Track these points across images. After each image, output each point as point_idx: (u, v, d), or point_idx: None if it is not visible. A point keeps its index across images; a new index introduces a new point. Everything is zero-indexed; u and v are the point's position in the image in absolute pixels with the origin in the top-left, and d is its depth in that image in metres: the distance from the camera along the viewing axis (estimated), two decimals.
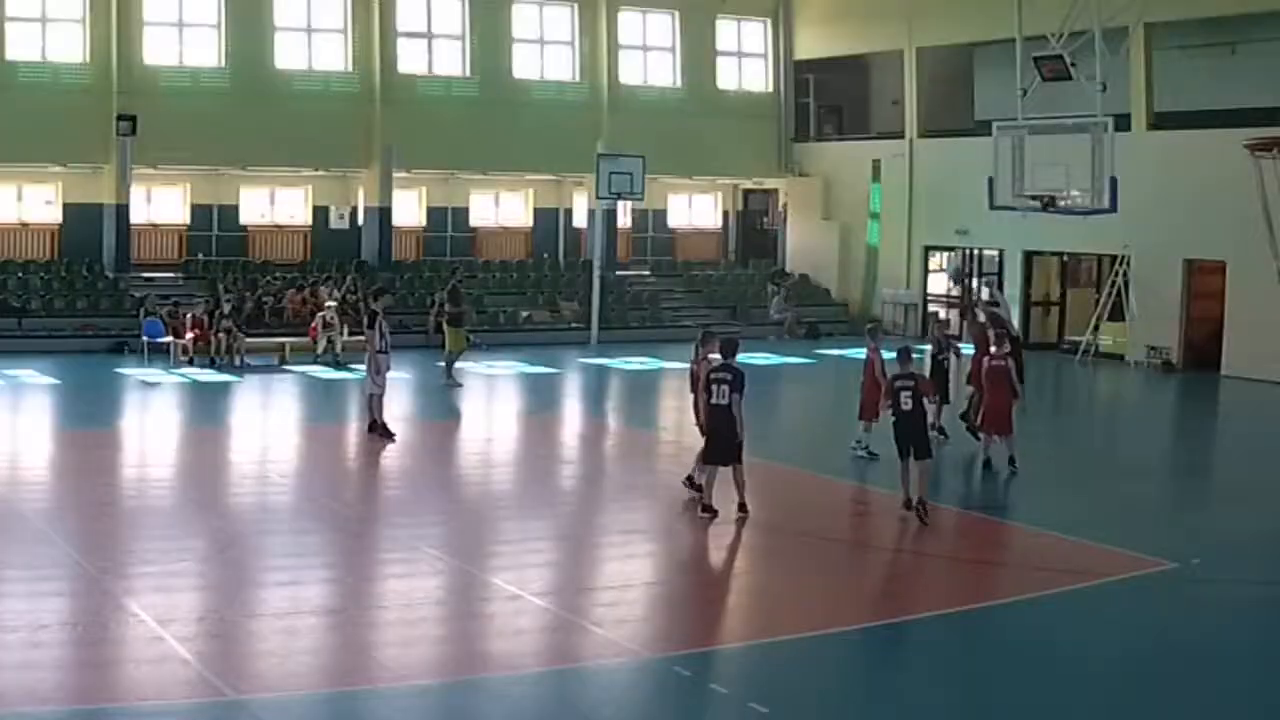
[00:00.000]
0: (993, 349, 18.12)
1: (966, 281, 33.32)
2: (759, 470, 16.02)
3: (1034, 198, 26.88)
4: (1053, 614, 12.35)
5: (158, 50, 31.55)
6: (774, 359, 30.31)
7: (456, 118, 34.13)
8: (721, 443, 15.10)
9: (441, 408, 24.27)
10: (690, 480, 16.08)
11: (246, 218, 34.21)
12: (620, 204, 34.52)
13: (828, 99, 39.34)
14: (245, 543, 14.06)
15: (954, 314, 31.07)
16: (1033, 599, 12.81)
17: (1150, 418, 26.25)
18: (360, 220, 34.40)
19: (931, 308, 34.17)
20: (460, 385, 25.33)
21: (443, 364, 25.83)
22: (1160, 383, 29.01)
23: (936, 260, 36.44)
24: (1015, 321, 24.98)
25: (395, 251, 34.43)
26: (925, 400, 15.91)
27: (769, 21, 38.69)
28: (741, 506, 15.14)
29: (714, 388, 15.14)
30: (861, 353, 19.73)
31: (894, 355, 16.36)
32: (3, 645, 10.45)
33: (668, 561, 14.37)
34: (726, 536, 15.15)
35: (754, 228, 40.62)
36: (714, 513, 15.09)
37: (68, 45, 30.82)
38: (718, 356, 15.59)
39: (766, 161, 38.52)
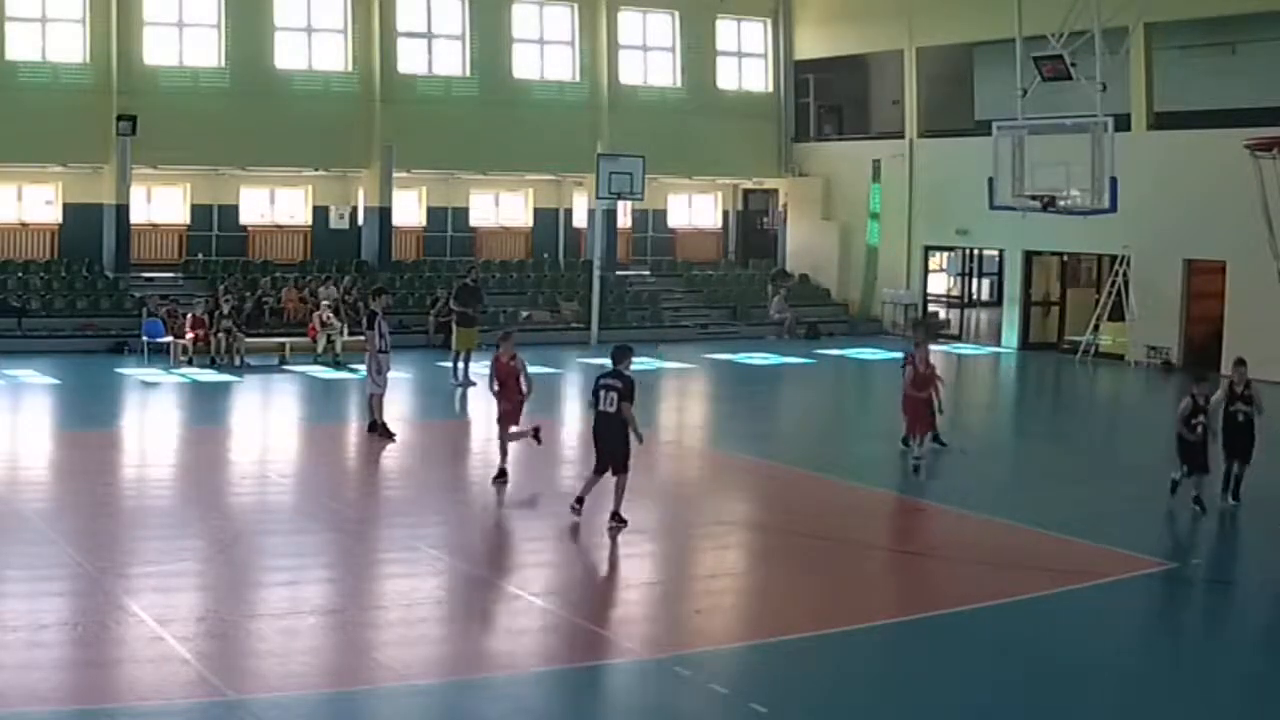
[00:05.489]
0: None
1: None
2: (760, 470, 16.01)
3: (1034, 198, 26.88)
4: (1053, 614, 12.36)
5: (158, 50, 31.53)
6: (774, 359, 30.30)
7: (456, 118, 34.13)
8: (607, 451, 14.71)
9: (442, 407, 24.26)
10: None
11: (246, 218, 34.19)
12: (620, 204, 34.50)
13: (828, 99, 39.33)
14: (245, 543, 14.05)
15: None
16: (1033, 599, 12.81)
17: (1150, 417, 26.15)
18: (360, 220, 34.39)
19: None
20: (474, 384, 25.30)
21: (449, 364, 25.78)
22: (1160, 383, 28.99)
23: (936, 260, 36.47)
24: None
25: (395, 251, 34.42)
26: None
27: (769, 21, 38.68)
28: (615, 515, 14.66)
29: (601, 394, 14.75)
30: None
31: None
32: (3, 645, 10.44)
33: (668, 561, 14.37)
34: (726, 537, 15.16)
35: (754, 228, 40.60)
36: (623, 522, 14.63)
37: (68, 45, 30.78)
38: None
39: (766, 161, 38.52)
